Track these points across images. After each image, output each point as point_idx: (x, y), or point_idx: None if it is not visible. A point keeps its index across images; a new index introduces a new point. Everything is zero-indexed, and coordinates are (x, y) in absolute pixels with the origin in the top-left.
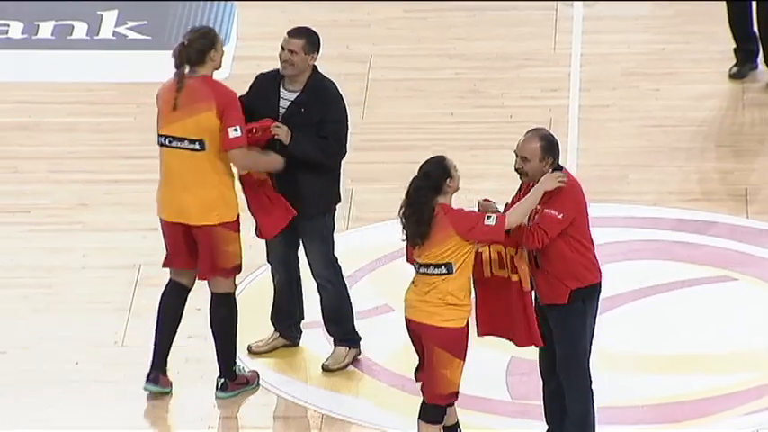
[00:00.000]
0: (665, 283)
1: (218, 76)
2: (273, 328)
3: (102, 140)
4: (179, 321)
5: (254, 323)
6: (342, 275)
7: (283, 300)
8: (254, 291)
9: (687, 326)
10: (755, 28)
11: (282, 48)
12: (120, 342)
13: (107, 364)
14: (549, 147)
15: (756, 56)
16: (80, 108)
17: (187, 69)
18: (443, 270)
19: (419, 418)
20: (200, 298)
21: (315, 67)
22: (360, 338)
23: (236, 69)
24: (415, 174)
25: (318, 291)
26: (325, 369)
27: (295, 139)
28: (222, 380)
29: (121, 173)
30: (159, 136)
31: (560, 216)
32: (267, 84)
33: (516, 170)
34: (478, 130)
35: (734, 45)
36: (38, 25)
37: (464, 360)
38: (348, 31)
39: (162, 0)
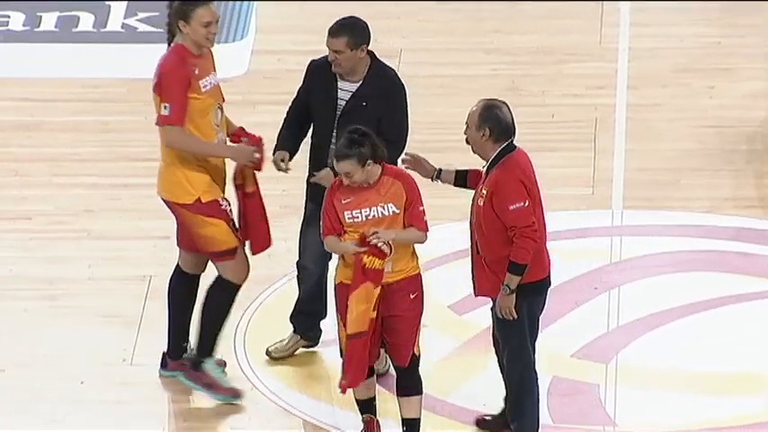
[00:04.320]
0: (719, 296)
1: (235, 71)
2: (293, 330)
3: (110, 141)
4: (188, 307)
5: (274, 333)
6: None
7: (311, 299)
8: (275, 301)
9: (744, 343)
10: None
11: (328, 47)
12: (128, 360)
13: (114, 384)
14: (488, 117)
15: None
16: (86, 106)
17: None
18: None
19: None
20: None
21: (372, 54)
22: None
23: (255, 64)
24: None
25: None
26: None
27: None
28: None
29: (130, 176)
30: None
31: (526, 204)
32: (322, 74)
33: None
34: (518, 131)
35: None
36: (40, 16)
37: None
38: (376, 23)
39: None
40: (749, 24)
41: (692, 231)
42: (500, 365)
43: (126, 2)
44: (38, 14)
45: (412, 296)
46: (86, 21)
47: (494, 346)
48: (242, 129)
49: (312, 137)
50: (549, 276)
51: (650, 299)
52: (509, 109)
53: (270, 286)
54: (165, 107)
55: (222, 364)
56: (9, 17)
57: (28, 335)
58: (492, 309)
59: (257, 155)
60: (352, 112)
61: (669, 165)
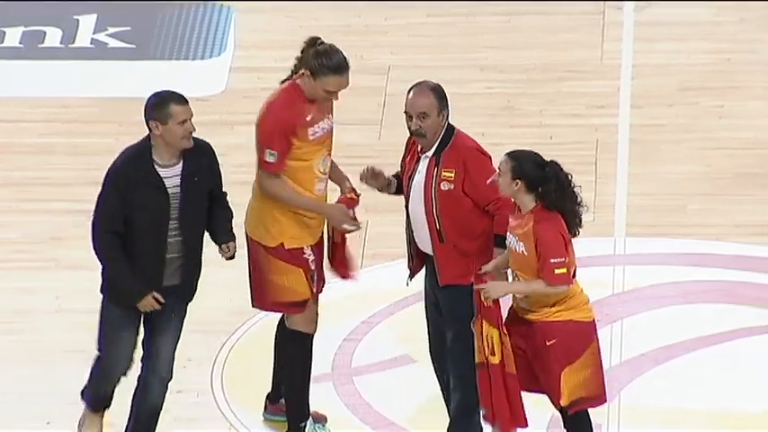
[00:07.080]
0: (729, 330)
1: (212, 90)
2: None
3: (81, 164)
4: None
5: (254, 367)
6: None
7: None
8: (257, 333)
9: (756, 380)
10: None
11: (185, 120)
12: None
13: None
14: (443, 96)
15: None
16: (54, 127)
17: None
18: None
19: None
20: (188, 347)
21: None
22: None
23: (234, 83)
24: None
25: (148, 386)
26: None
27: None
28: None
29: None
30: None
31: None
32: (141, 171)
33: (414, 132)
34: None
35: None
36: (4, 32)
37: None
38: (363, 38)
39: (148, 1)
40: (760, 40)
41: (699, 260)
42: (437, 366)
43: (95, 15)
44: (1, 30)
45: (548, 342)
46: (53, 36)
47: (433, 361)
48: (349, 186)
49: (132, 248)
50: None
51: (656, 332)
52: None
53: (251, 318)
54: (272, 154)
55: (322, 418)
56: None
57: None
58: (437, 305)
59: (351, 220)
60: (190, 193)
61: (675, 189)
